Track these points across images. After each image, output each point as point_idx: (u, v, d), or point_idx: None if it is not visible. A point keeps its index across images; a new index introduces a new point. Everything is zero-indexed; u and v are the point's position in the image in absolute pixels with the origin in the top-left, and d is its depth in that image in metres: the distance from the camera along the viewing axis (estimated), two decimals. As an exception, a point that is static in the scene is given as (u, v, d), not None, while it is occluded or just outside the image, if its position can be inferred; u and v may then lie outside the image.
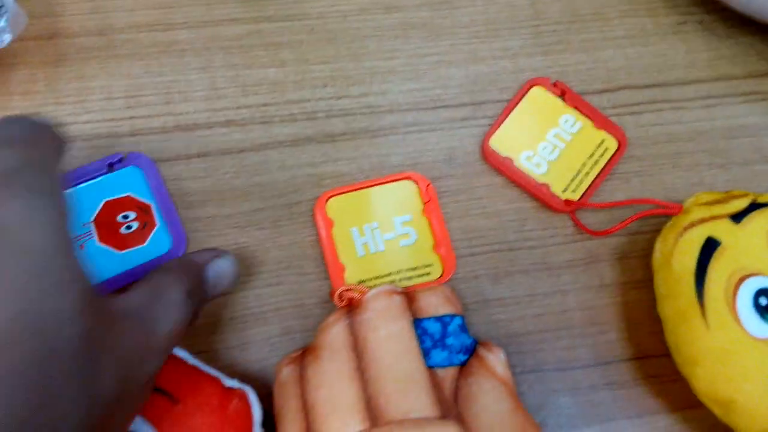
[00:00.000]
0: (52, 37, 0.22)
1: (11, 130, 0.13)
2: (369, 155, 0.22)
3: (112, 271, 0.19)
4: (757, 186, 0.23)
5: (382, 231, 0.21)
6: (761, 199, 0.19)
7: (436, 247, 0.21)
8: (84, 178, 0.20)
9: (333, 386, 0.15)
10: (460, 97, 0.23)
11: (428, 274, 0.21)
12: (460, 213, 0.22)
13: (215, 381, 0.16)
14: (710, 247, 0.18)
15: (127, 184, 0.20)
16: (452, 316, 0.17)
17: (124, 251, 0.20)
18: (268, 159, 0.22)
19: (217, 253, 0.18)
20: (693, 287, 0.18)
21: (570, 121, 0.23)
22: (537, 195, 0.22)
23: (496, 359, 0.17)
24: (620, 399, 0.20)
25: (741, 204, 0.19)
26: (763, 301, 0.18)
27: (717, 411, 0.18)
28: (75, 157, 0.21)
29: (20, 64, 0.22)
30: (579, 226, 0.22)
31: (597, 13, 0.25)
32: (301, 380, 0.16)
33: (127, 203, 0.20)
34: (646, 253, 0.21)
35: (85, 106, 0.22)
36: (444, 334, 0.17)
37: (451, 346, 0.17)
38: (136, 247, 0.20)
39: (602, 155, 0.22)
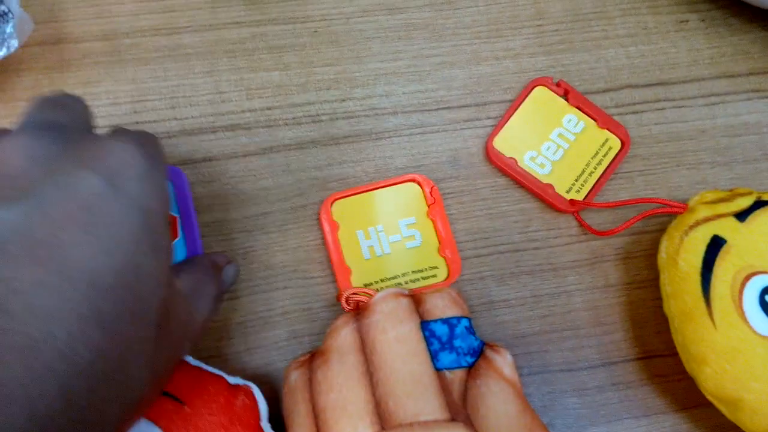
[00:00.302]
0: (57, 42, 0.22)
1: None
2: (373, 158, 0.22)
3: None
4: (761, 184, 0.23)
5: (388, 233, 0.21)
6: (766, 197, 0.19)
7: (442, 249, 0.21)
8: None
9: (342, 390, 0.15)
10: (463, 98, 0.23)
11: (434, 276, 0.21)
12: (465, 214, 0.22)
13: (220, 380, 0.17)
14: (716, 245, 0.18)
15: None
16: (459, 318, 0.17)
17: None
18: (273, 162, 0.22)
19: (228, 258, 0.18)
20: (699, 286, 0.18)
21: (573, 120, 0.23)
22: (541, 195, 0.22)
23: (503, 361, 0.17)
24: (627, 399, 0.20)
25: (745, 202, 0.19)
26: (769, 299, 0.18)
27: (724, 409, 0.18)
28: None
29: (26, 69, 0.22)
30: (584, 226, 0.22)
31: (599, 11, 0.25)
32: (311, 384, 0.16)
33: None
34: (651, 253, 0.22)
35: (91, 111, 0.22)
36: (451, 336, 0.17)
37: (459, 348, 0.17)
38: None
39: (606, 155, 0.22)
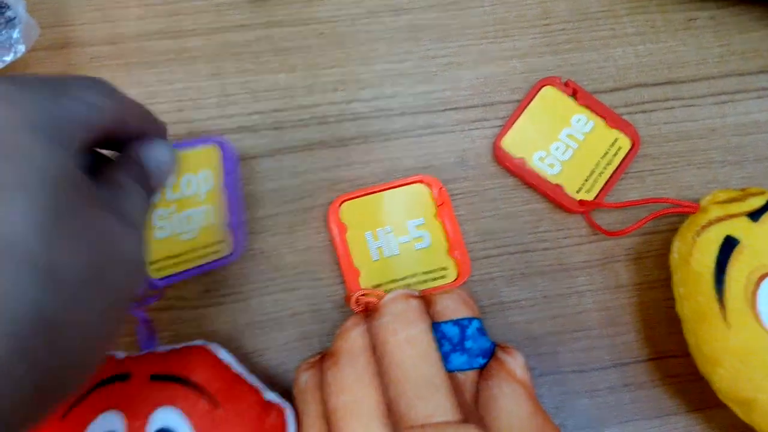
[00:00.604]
0: (64, 46, 0.22)
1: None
2: (381, 159, 0.22)
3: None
4: (773, 183, 0.23)
5: (396, 235, 0.21)
6: (779, 197, 0.19)
7: (451, 250, 0.21)
8: None
9: (353, 391, 0.15)
10: (471, 99, 0.23)
11: (443, 277, 0.21)
12: (474, 215, 0.22)
13: (256, 392, 0.16)
14: (729, 245, 0.18)
15: None
16: (470, 320, 0.17)
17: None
18: (281, 164, 0.22)
19: (152, 141, 0.16)
20: (712, 286, 0.18)
21: (582, 120, 0.23)
22: (551, 196, 0.22)
23: (515, 362, 0.17)
24: (639, 400, 0.20)
25: (758, 202, 0.19)
26: (783, 299, 0.18)
27: (738, 410, 0.18)
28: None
29: (33, 74, 0.22)
30: (594, 227, 0.22)
31: (606, 10, 0.25)
32: (321, 385, 0.16)
33: None
34: (662, 253, 0.21)
35: (98, 115, 0.22)
36: (463, 338, 0.17)
37: (470, 349, 0.17)
38: None
39: (615, 154, 0.22)
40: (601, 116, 0.23)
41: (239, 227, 0.20)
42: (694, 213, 0.20)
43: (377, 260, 0.21)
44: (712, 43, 0.24)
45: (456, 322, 0.17)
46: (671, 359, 0.20)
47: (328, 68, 0.23)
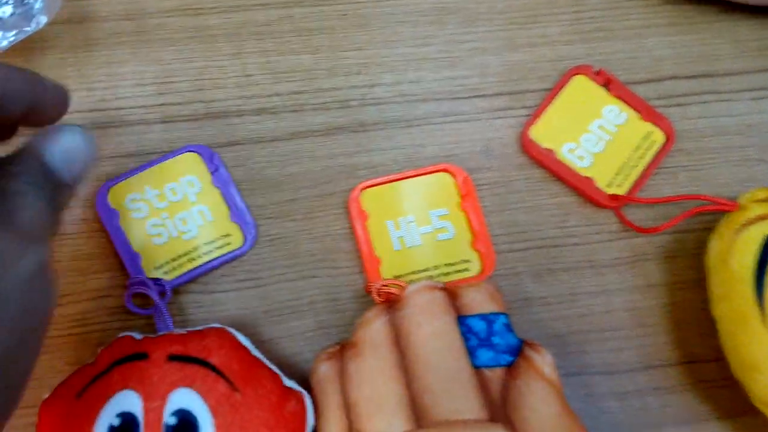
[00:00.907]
0: (83, 21, 0.22)
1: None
2: (403, 146, 0.21)
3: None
4: (813, 182, 0.22)
5: (418, 224, 0.20)
6: (823, 196, 0.18)
7: (475, 242, 0.20)
8: None
9: (376, 384, 0.15)
10: (497, 86, 0.22)
11: (466, 269, 0.20)
12: (499, 207, 0.21)
13: (276, 378, 0.16)
14: (771, 245, 0.17)
15: None
16: (497, 315, 0.16)
17: None
18: (301, 148, 0.21)
19: (55, 129, 0.14)
20: (752, 288, 0.17)
21: (615, 111, 0.22)
22: (580, 189, 0.21)
23: (543, 360, 0.16)
24: (668, 405, 0.19)
25: (801, 201, 0.18)
26: (828, 303, 0.17)
27: (775, 419, 0.17)
28: (107, 144, 0.21)
29: (51, 47, 0.21)
30: (625, 223, 0.21)
31: None
32: (342, 376, 0.15)
33: None
34: (696, 252, 0.20)
35: (116, 92, 0.21)
36: (490, 333, 0.16)
37: (497, 345, 0.16)
38: None
39: (649, 148, 0.21)
40: (634, 108, 0.22)
41: (244, 219, 0.20)
42: (732, 211, 0.19)
43: (399, 250, 0.20)
44: (748, 36, 0.23)
45: (483, 317, 0.16)
46: (703, 363, 0.19)
47: (350, 51, 0.22)
